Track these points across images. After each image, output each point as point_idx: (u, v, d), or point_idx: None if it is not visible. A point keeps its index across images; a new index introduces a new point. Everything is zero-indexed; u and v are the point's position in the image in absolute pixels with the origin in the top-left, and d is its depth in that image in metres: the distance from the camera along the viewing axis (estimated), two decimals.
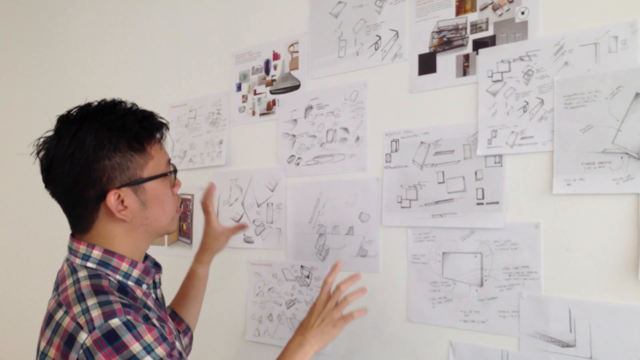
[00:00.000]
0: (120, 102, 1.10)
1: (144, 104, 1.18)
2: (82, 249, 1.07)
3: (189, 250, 2.01)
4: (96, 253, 1.07)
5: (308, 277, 1.68)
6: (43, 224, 2.60)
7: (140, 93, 2.21)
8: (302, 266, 1.70)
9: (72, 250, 1.10)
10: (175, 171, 1.18)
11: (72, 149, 1.03)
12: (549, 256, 1.27)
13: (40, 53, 2.82)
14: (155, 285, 1.23)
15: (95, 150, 1.03)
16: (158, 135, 1.14)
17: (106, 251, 1.07)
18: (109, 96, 1.13)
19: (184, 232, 2.04)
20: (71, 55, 2.64)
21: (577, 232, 1.23)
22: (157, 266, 1.26)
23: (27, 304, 2.71)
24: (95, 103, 1.09)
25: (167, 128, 1.16)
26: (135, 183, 1.08)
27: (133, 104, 1.11)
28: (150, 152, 1.11)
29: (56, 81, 2.71)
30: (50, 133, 1.08)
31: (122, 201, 1.06)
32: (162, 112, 2.04)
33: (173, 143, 2.10)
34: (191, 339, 1.48)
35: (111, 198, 1.05)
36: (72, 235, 1.12)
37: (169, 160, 1.17)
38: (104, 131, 1.05)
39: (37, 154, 1.09)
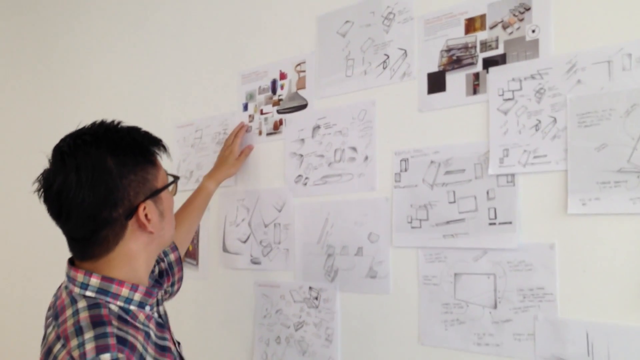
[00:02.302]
0: (112, 121, 1.10)
1: (149, 125, 1.19)
2: (80, 277, 1.05)
3: (195, 271, 1.99)
4: (94, 281, 1.05)
5: (316, 298, 1.66)
6: (43, 230, 2.58)
7: (146, 113, 2.21)
8: (310, 287, 1.68)
9: (70, 279, 1.08)
10: (178, 178, 1.20)
11: (90, 174, 1.01)
12: (564, 277, 1.24)
13: (44, 73, 2.82)
14: (158, 302, 1.21)
15: (119, 168, 1.04)
16: (161, 148, 1.16)
17: (104, 278, 1.05)
18: (115, 116, 1.13)
19: (189, 253, 2.02)
20: (75, 75, 2.64)
21: (593, 253, 1.21)
22: (158, 282, 1.26)
23: (30, 311, 2.68)
24: (89, 127, 1.09)
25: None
26: (155, 194, 1.10)
27: (120, 121, 1.12)
28: (158, 163, 1.15)
29: (59, 101, 2.71)
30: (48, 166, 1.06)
31: (146, 215, 1.07)
32: (168, 132, 2.09)
33: (179, 163, 2.08)
34: (179, 260, 1.47)
35: (141, 212, 1.06)
36: (71, 263, 1.10)
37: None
38: (120, 149, 1.06)
39: (39, 190, 1.05)
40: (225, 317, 1.92)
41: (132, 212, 1.06)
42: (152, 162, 1.12)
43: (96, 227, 1.04)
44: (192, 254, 2.01)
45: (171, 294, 1.47)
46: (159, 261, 1.40)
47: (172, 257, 1.44)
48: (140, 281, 1.11)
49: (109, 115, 1.15)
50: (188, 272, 2.00)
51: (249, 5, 1.89)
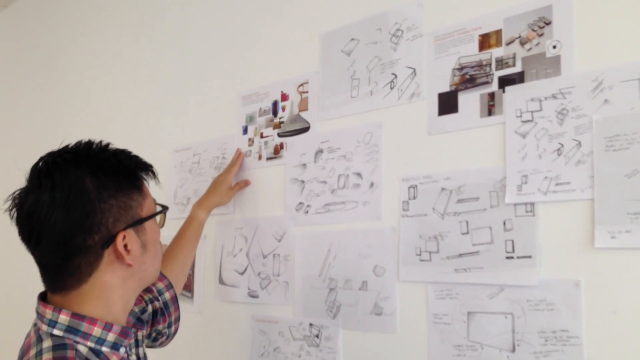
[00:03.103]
0: (100, 142, 1.02)
1: (147, 148, 1.16)
2: (49, 313, 0.96)
3: (190, 304, 1.89)
4: (63, 318, 0.95)
5: (317, 336, 1.56)
6: None
7: (143, 136, 2.17)
8: (311, 324, 1.58)
9: (39, 315, 0.99)
10: (166, 209, 1.11)
11: (66, 194, 0.93)
12: (592, 319, 1.13)
13: (40, 94, 2.82)
14: (138, 343, 1.11)
15: (99, 191, 0.95)
16: (150, 174, 1.08)
17: (74, 315, 0.96)
18: (112, 139, 1.06)
19: (184, 285, 1.91)
20: (72, 96, 2.62)
21: (624, 292, 1.10)
22: (140, 321, 1.18)
23: None
24: (72, 145, 1.01)
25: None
26: (138, 223, 1.01)
27: (109, 143, 1.04)
28: (145, 190, 1.06)
29: (55, 123, 2.69)
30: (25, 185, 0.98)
31: (126, 245, 0.98)
32: (166, 156, 2.00)
33: (176, 189, 2.00)
34: (175, 298, 1.38)
35: (119, 241, 0.97)
36: (42, 298, 1.01)
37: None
38: (102, 170, 0.98)
39: (11, 210, 0.97)
40: (220, 355, 1.82)
41: (110, 240, 0.97)
42: (138, 188, 1.03)
43: (68, 254, 0.95)
44: (187, 286, 1.92)
45: (169, 336, 1.38)
46: (152, 300, 1.32)
47: (167, 295, 1.35)
48: (116, 319, 1.01)
49: (107, 138, 1.07)
50: (182, 305, 1.89)
51: (249, 23, 1.84)
